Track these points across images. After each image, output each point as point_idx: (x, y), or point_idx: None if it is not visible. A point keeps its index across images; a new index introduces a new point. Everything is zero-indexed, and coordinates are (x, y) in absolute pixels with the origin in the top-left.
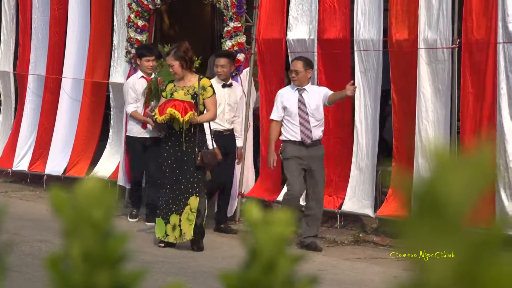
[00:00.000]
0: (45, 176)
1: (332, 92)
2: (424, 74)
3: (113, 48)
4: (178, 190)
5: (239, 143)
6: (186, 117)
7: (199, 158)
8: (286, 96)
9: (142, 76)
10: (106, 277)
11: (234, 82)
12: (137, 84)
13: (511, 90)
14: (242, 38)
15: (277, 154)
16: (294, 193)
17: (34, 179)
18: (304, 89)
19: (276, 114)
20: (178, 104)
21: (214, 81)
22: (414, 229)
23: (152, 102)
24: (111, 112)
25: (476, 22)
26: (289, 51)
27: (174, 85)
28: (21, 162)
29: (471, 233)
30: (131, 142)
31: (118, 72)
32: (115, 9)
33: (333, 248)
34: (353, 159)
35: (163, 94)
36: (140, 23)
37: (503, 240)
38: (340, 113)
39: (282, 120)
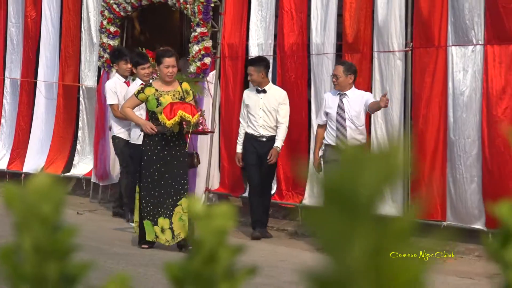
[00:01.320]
0: (23, 174)
1: (373, 100)
2: (378, 76)
3: (81, 52)
4: (166, 194)
5: (276, 142)
6: (195, 118)
7: (196, 160)
8: (328, 100)
9: (142, 84)
10: (55, 268)
11: (273, 87)
12: (134, 88)
13: (456, 90)
14: (208, 43)
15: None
16: None
17: (13, 177)
18: (345, 94)
19: (319, 118)
20: (186, 107)
21: (250, 87)
22: (322, 219)
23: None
24: (81, 114)
25: (427, 27)
26: (249, 55)
27: (156, 90)
28: (1, 162)
29: (379, 223)
30: (133, 149)
31: (87, 76)
32: (82, 16)
33: (295, 240)
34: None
35: (140, 96)
36: (112, 29)
37: (414, 228)
38: (297, 113)
39: (326, 124)
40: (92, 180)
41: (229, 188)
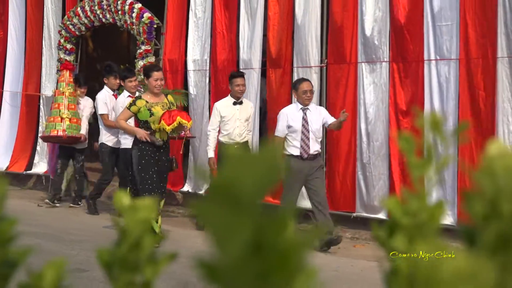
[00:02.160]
0: None
1: (332, 119)
2: None
3: (42, 66)
4: (161, 195)
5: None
6: (190, 123)
7: (174, 164)
8: (290, 115)
9: (129, 96)
10: None
11: (244, 100)
12: (126, 102)
13: (366, 101)
14: (151, 59)
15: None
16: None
17: None
18: (308, 108)
19: (280, 132)
20: (182, 114)
21: (227, 99)
22: (209, 212)
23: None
24: (41, 120)
25: (339, 45)
26: (187, 69)
27: (147, 102)
28: None
29: (261, 216)
30: (124, 154)
31: (47, 87)
32: (43, 35)
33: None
34: None
35: (133, 108)
36: (69, 46)
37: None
38: None
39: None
40: (51, 177)
41: (170, 184)
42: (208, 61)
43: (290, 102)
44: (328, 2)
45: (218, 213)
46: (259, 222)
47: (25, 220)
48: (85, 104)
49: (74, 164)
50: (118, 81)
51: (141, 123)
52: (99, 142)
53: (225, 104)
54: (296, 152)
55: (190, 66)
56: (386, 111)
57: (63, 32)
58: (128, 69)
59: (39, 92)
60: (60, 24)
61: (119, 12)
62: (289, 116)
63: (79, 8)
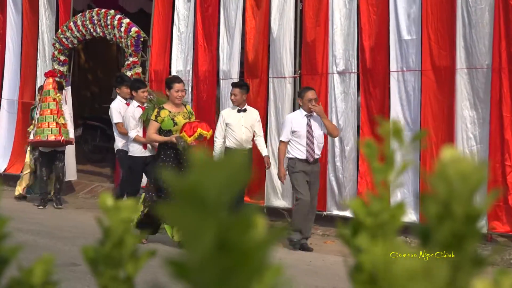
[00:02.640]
0: None
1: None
2: (272, 97)
3: (37, 76)
4: None
5: (264, 152)
6: (210, 133)
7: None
8: (295, 120)
9: (138, 106)
10: None
11: (248, 107)
12: (135, 112)
13: (337, 109)
14: (138, 69)
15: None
16: (304, 199)
17: None
18: (311, 115)
19: (285, 136)
20: (202, 125)
21: (230, 107)
22: (177, 214)
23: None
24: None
25: (312, 58)
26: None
27: (170, 112)
28: None
29: (225, 218)
30: (133, 161)
31: None
32: (38, 47)
33: None
34: None
35: (158, 119)
36: (62, 58)
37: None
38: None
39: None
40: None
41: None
42: (190, 72)
43: (266, 110)
44: (301, 17)
45: (185, 215)
46: (224, 222)
47: (22, 218)
48: (65, 109)
49: (57, 164)
50: (129, 90)
51: (164, 132)
52: (116, 149)
53: (229, 112)
54: (302, 155)
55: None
56: (355, 119)
57: (57, 44)
58: (140, 80)
59: (34, 100)
60: (54, 37)
61: (109, 27)
62: (293, 122)
63: (71, 23)
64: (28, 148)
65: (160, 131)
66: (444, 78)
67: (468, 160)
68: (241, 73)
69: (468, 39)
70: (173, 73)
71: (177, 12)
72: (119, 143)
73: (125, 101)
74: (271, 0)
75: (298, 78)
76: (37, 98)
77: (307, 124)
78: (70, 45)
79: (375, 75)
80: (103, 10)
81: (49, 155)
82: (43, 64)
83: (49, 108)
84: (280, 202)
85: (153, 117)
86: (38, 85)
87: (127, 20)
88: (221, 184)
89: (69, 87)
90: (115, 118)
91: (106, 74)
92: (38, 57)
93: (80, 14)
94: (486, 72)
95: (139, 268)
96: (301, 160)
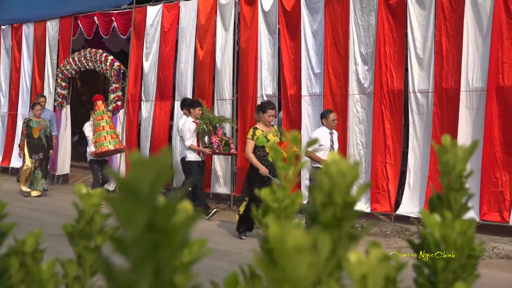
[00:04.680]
0: None
1: None
2: (217, 114)
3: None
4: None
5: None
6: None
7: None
8: (322, 136)
9: (193, 121)
10: None
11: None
12: (191, 126)
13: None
14: (119, 93)
15: None
16: None
17: None
18: (333, 132)
19: (312, 148)
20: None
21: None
22: (117, 203)
23: (205, 138)
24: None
25: (245, 84)
26: (142, 100)
27: (262, 131)
28: None
29: (156, 208)
30: (190, 164)
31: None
32: (45, 76)
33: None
34: None
35: (254, 138)
36: (63, 84)
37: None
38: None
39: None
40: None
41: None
42: (154, 94)
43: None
44: (238, 56)
45: (124, 203)
46: (153, 208)
47: (32, 201)
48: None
49: (105, 166)
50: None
51: (258, 148)
52: (187, 160)
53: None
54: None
55: (143, 98)
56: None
57: (59, 74)
58: (197, 101)
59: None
60: (57, 69)
61: (98, 62)
62: (320, 137)
63: (71, 59)
64: (27, 153)
65: (255, 147)
66: (339, 102)
67: (345, 161)
68: (193, 96)
69: (360, 72)
70: (143, 95)
71: (145, 53)
72: (191, 155)
73: (192, 120)
74: (215, 42)
75: (235, 100)
76: (91, 118)
77: (330, 139)
78: (69, 75)
79: (293, 98)
80: (93, 50)
81: (100, 162)
82: (47, 88)
83: (101, 125)
84: (222, 189)
85: (249, 136)
86: (47, 102)
87: (111, 57)
88: (151, 180)
89: (69, 105)
90: (188, 136)
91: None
92: (45, 83)
93: (77, 52)
94: (368, 97)
95: (106, 240)
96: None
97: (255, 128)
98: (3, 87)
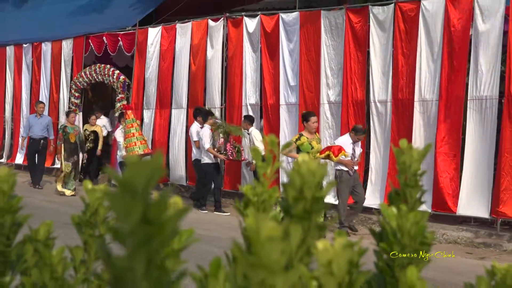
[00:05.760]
0: None
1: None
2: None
3: (60, 105)
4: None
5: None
6: (348, 154)
7: None
8: (344, 145)
9: (210, 128)
10: (9, 218)
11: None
12: (208, 132)
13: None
14: (125, 102)
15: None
16: (344, 202)
17: None
18: (357, 143)
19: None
20: (342, 148)
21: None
22: (116, 199)
23: (216, 144)
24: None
25: (232, 94)
26: (144, 108)
27: (307, 138)
28: None
29: (149, 203)
30: (206, 166)
31: (62, 118)
32: (60, 88)
33: None
34: None
35: (298, 142)
36: (76, 94)
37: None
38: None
39: None
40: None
41: None
42: (154, 103)
43: None
44: (226, 70)
45: (122, 199)
46: (146, 204)
47: (49, 194)
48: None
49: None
50: (201, 119)
51: (302, 153)
52: (193, 158)
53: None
54: (346, 169)
55: (145, 106)
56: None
57: (73, 86)
58: (211, 112)
59: (57, 120)
60: (71, 82)
61: (106, 75)
62: (343, 145)
63: (82, 73)
64: (63, 158)
65: (298, 152)
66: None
67: (314, 162)
68: (187, 104)
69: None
70: (144, 104)
71: (146, 67)
72: (207, 157)
73: (200, 125)
74: (206, 59)
75: (223, 108)
76: (121, 125)
77: (352, 148)
78: (81, 86)
79: (272, 107)
80: (102, 65)
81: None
82: (62, 97)
83: (131, 132)
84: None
85: (293, 139)
86: (60, 111)
87: (118, 71)
88: (145, 179)
89: (81, 112)
90: (194, 138)
91: (104, 105)
92: (61, 93)
93: (88, 67)
94: (336, 106)
95: (108, 229)
96: (346, 171)
97: (301, 134)
98: (24, 96)
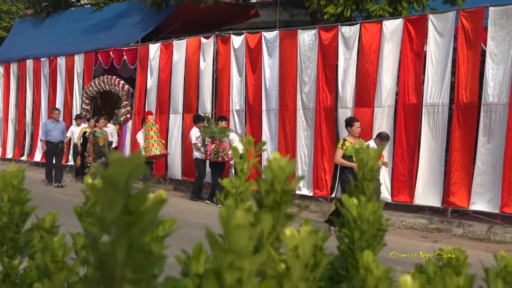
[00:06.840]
0: None
1: None
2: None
3: (73, 111)
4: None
5: None
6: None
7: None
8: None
9: (199, 130)
10: (19, 209)
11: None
12: (197, 132)
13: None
14: (129, 108)
15: None
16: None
17: None
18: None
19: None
20: (382, 154)
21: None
22: (101, 192)
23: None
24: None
25: (220, 101)
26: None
27: (351, 142)
28: None
29: (131, 196)
30: (197, 161)
31: (74, 121)
32: (74, 96)
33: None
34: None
35: (343, 147)
36: (87, 101)
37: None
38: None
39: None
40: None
41: None
42: (154, 108)
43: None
44: (216, 80)
45: (106, 192)
46: (128, 196)
47: (63, 188)
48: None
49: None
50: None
51: (346, 157)
52: (194, 158)
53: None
54: None
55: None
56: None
57: (84, 94)
58: (202, 117)
59: (71, 124)
60: (82, 90)
61: (112, 85)
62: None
63: (92, 83)
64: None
65: (343, 156)
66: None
67: (284, 159)
68: (182, 110)
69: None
70: (147, 109)
71: (148, 78)
72: (195, 153)
73: (198, 130)
74: (199, 70)
75: (214, 113)
76: (143, 128)
77: None
78: (91, 94)
79: (254, 113)
80: (109, 76)
81: (148, 163)
82: (74, 103)
83: (150, 134)
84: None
85: (339, 146)
86: (73, 115)
87: (123, 81)
88: (127, 174)
89: (91, 117)
90: (194, 140)
91: (111, 110)
92: (73, 101)
93: (97, 78)
94: (310, 112)
95: None
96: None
97: (345, 140)
98: (43, 103)
